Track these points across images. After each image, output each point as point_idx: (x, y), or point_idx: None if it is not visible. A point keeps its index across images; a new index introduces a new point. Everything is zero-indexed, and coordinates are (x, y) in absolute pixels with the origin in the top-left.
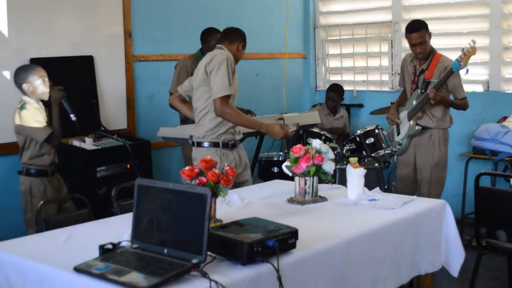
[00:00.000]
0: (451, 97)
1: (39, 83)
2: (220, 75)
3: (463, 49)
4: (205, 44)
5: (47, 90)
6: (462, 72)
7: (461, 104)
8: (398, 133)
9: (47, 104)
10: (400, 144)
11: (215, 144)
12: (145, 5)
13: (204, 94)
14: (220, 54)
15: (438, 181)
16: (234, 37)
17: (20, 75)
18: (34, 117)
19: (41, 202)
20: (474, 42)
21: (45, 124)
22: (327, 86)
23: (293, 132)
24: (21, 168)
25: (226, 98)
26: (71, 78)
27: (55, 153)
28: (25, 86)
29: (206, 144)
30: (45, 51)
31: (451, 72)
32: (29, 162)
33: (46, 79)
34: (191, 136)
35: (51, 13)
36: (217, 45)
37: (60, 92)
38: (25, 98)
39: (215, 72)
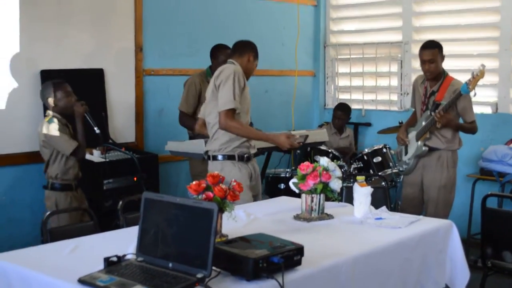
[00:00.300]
0: (461, 120)
1: (64, 98)
2: (226, 89)
3: (473, 72)
4: (214, 60)
5: (70, 105)
6: (470, 94)
7: (469, 128)
8: (406, 153)
9: (71, 119)
10: (407, 164)
11: (230, 157)
12: (157, 19)
13: (214, 109)
14: (228, 68)
15: (446, 202)
16: (243, 49)
17: (47, 89)
18: (62, 130)
19: (47, 213)
20: (483, 66)
21: (71, 137)
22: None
23: (301, 143)
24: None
25: (230, 112)
26: (81, 90)
27: (79, 168)
28: (50, 100)
29: (220, 157)
30: (56, 63)
31: (460, 94)
32: (55, 177)
33: (72, 95)
34: (206, 151)
35: (63, 25)
36: (228, 60)
37: (83, 107)
38: (51, 112)
39: (222, 86)
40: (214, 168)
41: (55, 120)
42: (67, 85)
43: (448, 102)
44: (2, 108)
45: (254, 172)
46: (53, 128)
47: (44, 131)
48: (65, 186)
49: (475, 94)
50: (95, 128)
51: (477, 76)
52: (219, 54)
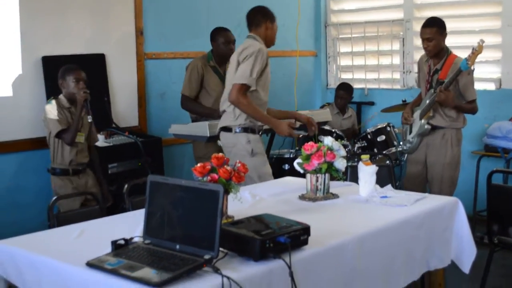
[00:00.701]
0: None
1: (71, 83)
2: (245, 64)
3: (473, 48)
4: (214, 43)
5: (75, 90)
6: (471, 69)
7: (469, 108)
8: (410, 132)
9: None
10: (410, 142)
11: (245, 129)
12: (157, 3)
13: None
14: (252, 46)
15: (451, 180)
16: (257, 19)
17: (60, 72)
18: (55, 112)
19: (53, 198)
20: (482, 41)
21: (64, 120)
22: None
23: (299, 136)
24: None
25: (244, 87)
26: None
27: (77, 153)
28: (60, 82)
29: (238, 129)
30: (58, 49)
31: (460, 71)
32: (53, 162)
33: (81, 82)
34: (222, 127)
35: (63, 11)
36: (248, 35)
37: (84, 94)
38: (60, 96)
39: (243, 62)
40: (229, 140)
41: (53, 101)
42: (79, 71)
43: (449, 79)
44: (5, 95)
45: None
46: (48, 109)
47: (44, 111)
48: (61, 170)
49: (473, 69)
50: (88, 117)
51: (476, 52)
52: (218, 37)
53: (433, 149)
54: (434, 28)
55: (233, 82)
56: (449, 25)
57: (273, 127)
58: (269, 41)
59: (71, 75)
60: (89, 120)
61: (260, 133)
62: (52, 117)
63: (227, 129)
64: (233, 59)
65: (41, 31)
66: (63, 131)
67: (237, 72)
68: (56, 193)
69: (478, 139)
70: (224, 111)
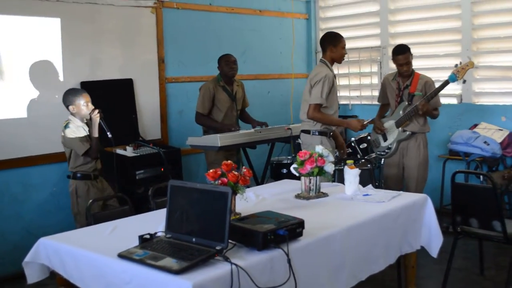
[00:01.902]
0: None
1: (83, 106)
2: (317, 88)
3: (456, 65)
4: (219, 66)
5: (88, 112)
6: (459, 82)
7: (436, 114)
8: (385, 140)
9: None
10: (389, 148)
11: (320, 133)
12: (175, 35)
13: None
14: (320, 73)
15: (423, 178)
16: (323, 45)
17: (68, 98)
18: (76, 134)
19: (90, 201)
20: (470, 58)
21: (85, 140)
22: None
23: (367, 124)
24: (69, 173)
25: (317, 106)
26: (115, 97)
27: (96, 161)
28: (71, 108)
29: (315, 133)
30: (93, 75)
31: (447, 82)
32: (75, 169)
33: (90, 103)
34: (302, 130)
35: (97, 43)
36: (320, 59)
37: (98, 114)
38: (71, 117)
39: (314, 85)
40: (308, 140)
41: (71, 125)
42: (86, 94)
43: (432, 93)
44: (47, 114)
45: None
46: (68, 132)
47: (62, 134)
48: (84, 175)
49: (464, 81)
50: (108, 133)
51: (466, 66)
52: (221, 61)
53: (409, 152)
54: (407, 53)
55: (309, 103)
56: (418, 50)
57: (347, 126)
58: (336, 61)
59: (82, 99)
60: (109, 136)
61: (329, 136)
62: (76, 141)
63: (306, 131)
64: (307, 81)
65: (79, 59)
66: (88, 150)
67: (311, 95)
68: (78, 195)
69: (443, 145)
70: (303, 120)
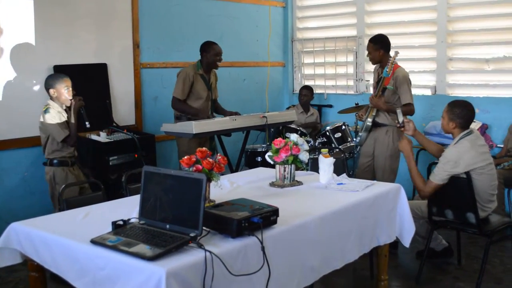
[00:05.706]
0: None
1: (64, 91)
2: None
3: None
4: (205, 54)
5: (69, 97)
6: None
7: (404, 110)
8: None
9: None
10: (359, 136)
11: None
12: (151, 20)
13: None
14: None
15: (392, 169)
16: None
17: (49, 81)
18: (55, 120)
19: (63, 186)
20: (397, 53)
21: (65, 126)
22: None
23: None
24: (44, 160)
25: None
26: (89, 82)
27: (74, 148)
28: (51, 91)
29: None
30: (67, 59)
31: (383, 78)
32: (52, 155)
33: (70, 88)
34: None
35: (71, 26)
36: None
37: (79, 102)
38: (50, 102)
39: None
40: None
41: (51, 110)
42: (68, 79)
43: (378, 87)
44: (20, 98)
45: None
46: (48, 118)
47: (41, 119)
48: (61, 162)
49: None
50: (86, 123)
51: (391, 61)
52: (210, 49)
53: (379, 143)
54: (370, 44)
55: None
56: (393, 41)
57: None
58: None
59: (62, 83)
60: (87, 126)
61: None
62: (55, 124)
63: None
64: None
65: (52, 43)
66: (67, 137)
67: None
68: (56, 182)
69: None
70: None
